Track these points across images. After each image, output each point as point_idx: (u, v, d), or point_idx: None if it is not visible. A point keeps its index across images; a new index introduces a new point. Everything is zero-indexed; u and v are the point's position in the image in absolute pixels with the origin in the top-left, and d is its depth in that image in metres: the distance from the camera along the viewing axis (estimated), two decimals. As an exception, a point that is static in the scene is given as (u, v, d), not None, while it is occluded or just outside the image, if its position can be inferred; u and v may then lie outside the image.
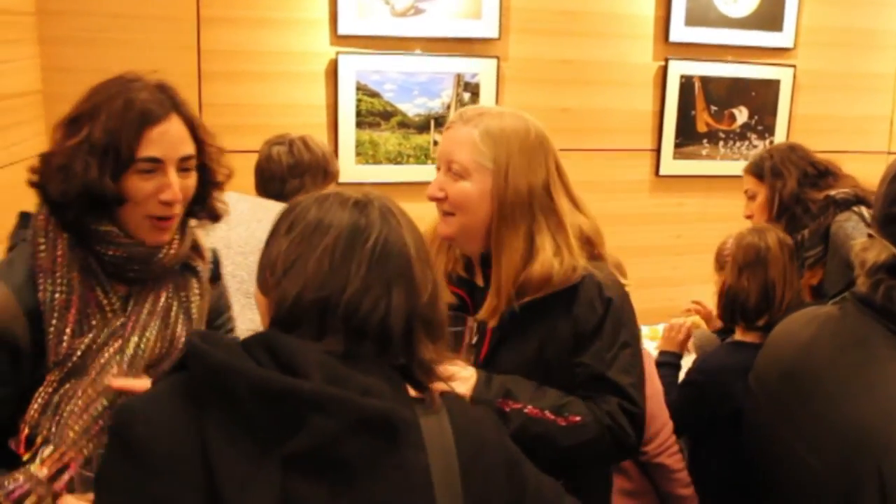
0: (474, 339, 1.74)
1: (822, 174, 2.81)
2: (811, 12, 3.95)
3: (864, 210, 2.62)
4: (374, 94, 3.44)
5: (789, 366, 1.47)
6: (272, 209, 2.34)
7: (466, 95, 3.55)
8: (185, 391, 1.03)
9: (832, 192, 2.70)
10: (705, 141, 3.94)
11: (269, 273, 1.15)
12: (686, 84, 3.84)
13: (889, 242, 1.29)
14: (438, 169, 1.73)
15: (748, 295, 2.35)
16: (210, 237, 1.69)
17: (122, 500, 1.00)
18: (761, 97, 3.96)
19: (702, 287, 3.44)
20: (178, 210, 1.50)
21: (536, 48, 3.64)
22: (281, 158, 2.59)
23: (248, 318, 2.13)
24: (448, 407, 1.17)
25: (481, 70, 3.54)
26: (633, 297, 1.78)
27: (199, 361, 1.02)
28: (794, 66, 3.96)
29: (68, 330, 1.44)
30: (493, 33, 3.52)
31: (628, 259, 1.86)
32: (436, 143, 3.53)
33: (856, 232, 2.54)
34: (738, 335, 2.45)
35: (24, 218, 1.54)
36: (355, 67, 3.38)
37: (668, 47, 3.79)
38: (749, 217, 2.90)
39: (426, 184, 1.74)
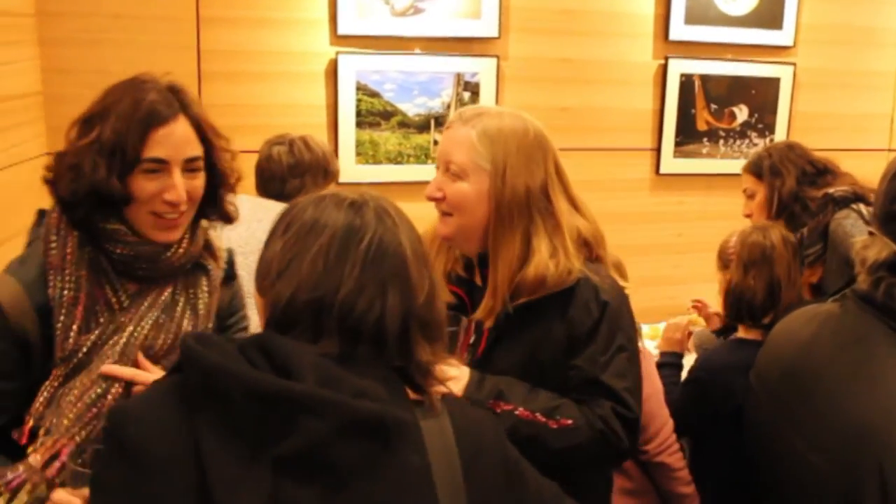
0: (472, 339, 1.75)
1: (820, 172, 2.81)
2: (811, 10, 3.94)
3: (862, 207, 2.62)
4: (374, 94, 3.44)
5: (790, 364, 1.47)
6: (272, 209, 2.34)
7: (466, 95, 3.55)
8: (180, 393, 1.03)
9: (831, 190, 2.70)
10: (705, 139, 3.94)
11: (265, 274, 1.15)
12: (686, 82, 3.84)
13: (890, 240, 1.29)
14: (438, 169, 1.73)
15: (754, 293, 2.36)
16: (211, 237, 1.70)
17: (115, 501, 1.01)
18: (761, 95, 3.96)
19: (703, 285, 3.44)
20: (185, 210, 1.51)
21: (536, 47, 3.64)
22: (281, 158, 2.59)
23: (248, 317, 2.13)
24: (449, 409, 1.16)
25: (481, 69, 3.54)
26: (633, 295, 1.78)
27: (192, 363, 1.03)
28: (794, 64, 3.96)
29: (75, 326, 1.46)
30: (493, 32, 3.52)
31: (629, 258, 1.86)
32: (436, 142, 3.53)
33: (854, 229, 2.55)
34: (741, 333, 2.45)
35: (42, 215, 1.56)
36: (355, 67, 3.38)
37: (668, 46, 3.79)
38: (748, 216, 2.90)
39: (426, 183, 1.74)
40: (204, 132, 1.52)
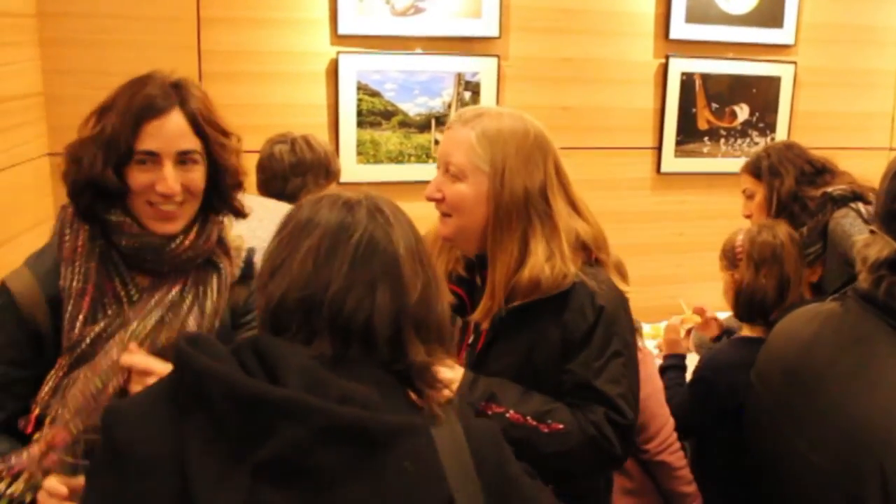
0: (471, 339, 1.75)
1: (819, 171, 2.82)
2: (812, 9, 3.94)
3: (861, 206, 2.62)
4: (375, 94, 3.44)
5: (791, 363, 1.47)
6: (273, 208, 2.34)
7: (467, 94, 3.55)
8: (173, 395, 1.03)
9: (829, 189, 2.70)
10: (706, 138, 3.94)
11: (261, 274, 1.16)
12: (687, 81, 3.84)
13: (891, 238, 1.29)
14: (438, 169, 1.73)
15: (766, 292, 2.36)
16: None
17: (101, 499, 1.02)
18: (762, 94, 3.96)
19: (704, 284, 3.44)
20: (183, 201, 1.53)
21: (537, 46, 3.64)
22: (283, 157, 2.58)
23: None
24: (459, 413, 1.15)
25: (482, 69, 3.54)
26: (634, 295, 1.77)
27: (183, 365, 1.03)
28: (794, 62, 3.96)
29: (81, 316, 1.50)
30: (494, 32, 3.52)
31: (630, 257, 1.86)
32: (437, 142, 3.53)
33: (853, 228, 2.55)
34: (746, 331, 2.45)
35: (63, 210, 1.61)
36: (356, 67, 3.38)
37: (669, 44, 3.78)
38: (748, 216, 2.91)
39: (427, 183, 1.74)
40: (200, 126, 1.53)
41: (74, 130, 1.59)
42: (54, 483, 1.37)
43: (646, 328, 3.32)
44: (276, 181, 2.58)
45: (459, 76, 3.52)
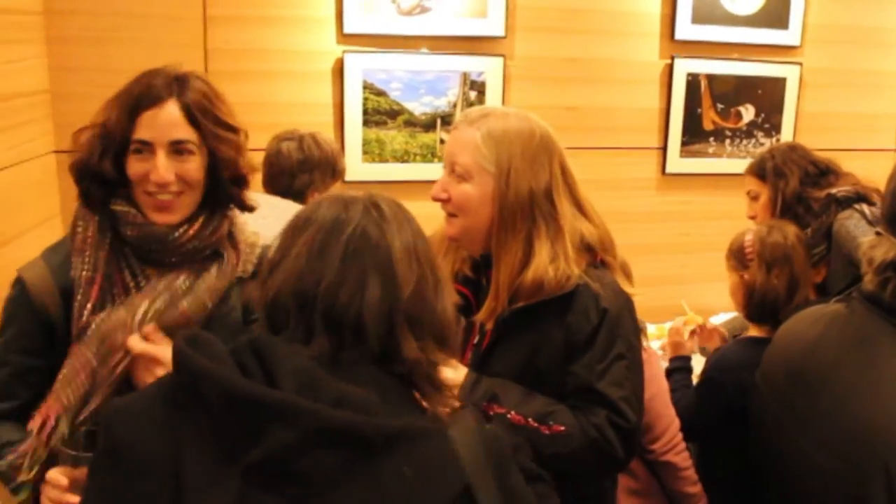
0: (476, 339, 1.75)
1: (823, 173, 2.82)
2: (818, 10, 3.93)
3: (865, 207, 2.62)
4: (381, 93, 3.44)
5: (796, 364, 1.47)
6: (277, 206, 2.34)
7: (472, 94, 3.55)
8: (172, 395, 1.03)
9: (833, 191, 2.71)
10: (712, 139, 3.93)
11: (262, 272, 1.17)
12: (692, 82, 3.83)
13: (897, 240, 1.29)
14: (444, 169, 1.73)
15: (778, 293, 2.36)
16: None
17: (100, 496, 1.03)
18: (768, 95, 3.95)
19: (709, 285, 3.44)
20: (178, 191, 1.54)
21: (542, 46, 3.63)
22: (291, 154, 2.58)
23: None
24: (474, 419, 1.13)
25: (487, 68, 3.54)
26: (639, 295, 1.77)
27: (180, 365, 1.02)
28: (800, 63, 3.95)
29: (89, 305, 1.53)
30: (499, 32, 3.52)
31: (635, 257, 1.86)
32: (442, 141, 3.53)
33: (857, 230, 2.55)
34: (753, 331, 2.45)
35: None
36: (361, 66, 3.39)
37: (675, 45, 3.78)
38: (752, 217, 2.91)
39: (433, 182, 1.74)
40: (195, 117, 1.54)
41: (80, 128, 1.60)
42: (56, 474, 1.39)
43: (650, 329, 3.32)
44: (283, 177, 2.58)
45: (465, 76, 3.52)
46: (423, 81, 3.48)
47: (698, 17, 3.76)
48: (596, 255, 1.71)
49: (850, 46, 4.04)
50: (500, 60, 3.54)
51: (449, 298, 1.19)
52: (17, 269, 1.59)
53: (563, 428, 1.59)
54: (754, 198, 2.91)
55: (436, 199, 1.72)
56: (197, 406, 0.99)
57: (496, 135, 1.66)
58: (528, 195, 1.65)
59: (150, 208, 1.54)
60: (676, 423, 2.28)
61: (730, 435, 2.08)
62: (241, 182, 1.63)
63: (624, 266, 1.81)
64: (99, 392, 1.50)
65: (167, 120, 1.52)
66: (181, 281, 1.57)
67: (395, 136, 3.49)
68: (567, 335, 1.64)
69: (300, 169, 2.57)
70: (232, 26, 3.24)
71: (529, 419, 1.58)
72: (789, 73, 3.94)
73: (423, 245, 1.17)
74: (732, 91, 3.90)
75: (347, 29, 3.33)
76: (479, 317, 1.71)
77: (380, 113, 3.45)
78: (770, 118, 3.98)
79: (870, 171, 2.76)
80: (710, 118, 3.90)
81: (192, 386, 1.00)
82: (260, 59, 3.30)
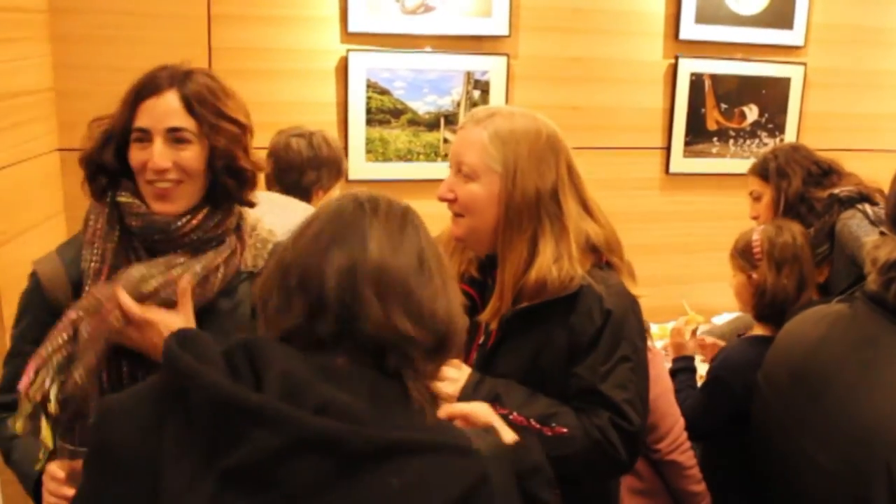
0: (481, 339, 1.74)
1: (825, 173, 2.82)
2: (822, 10, 3.93)
3: (867, 207, 2.62)
4: (385, 92, 3.44)
5: (799, 364, 1.47)
6: (279, 202, 2.35)
7: (476, 93, 3.55)
8: (161, 395, 1.02)
9: (836, 191, 2.71)
10: (715, 139, 3.93)
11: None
12: (696, 82, 3.83)
13: (901, 240, 1.29)
14: (450, 169, 1.73)
15: (787, 292, 2.36)
16: None
17: (91, 494, 1.03)
18: (771, 95, 3.95)
19: (713, 285, 3.44)
20: (177, 179, 1.55)
21: (546, 46, 3.64)
22: (301, 150, 2.58)
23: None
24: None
25: (491, 68, 3.54)
26: (643, 296, 1.76)
27: (168, 364, 1.01)
28: (804, 63, 3.95)
29: None
30: (504, 31, 3.52)
31: (638, 257, 1.85)
32: (446, 140, 3.53)
33: (860, 230, 2.55)
34: (758, 329, 2.45)
35: None
36: (365, 65, 3.39)
37: (679, 45, 3.78)
38: (755, 218, 2.90)
39: (436, 181, 1.74)
40: (193, 106, 1.55)
41: (85, 126, 1.61)
42: (54, 467, 1.42)
43: (653, 328, 3.32)
44: (291, 173, 2.58)
45: (469, 75, 3.53)
46: (426, 80, 3.48)
47: (702, 17, 3.76)
48: (601, 256, 1.71)
49: (854, 47, 4.04)
50: (503, 60, 3.54)
51: (455, 297, 1.16)
52: (33, 261, 1.63)
53: (565, 430, 1.59)
54: (757, 198, 2.91)
55: (442, 200, 1.72)
56: (182, 407, 0.98)
57: (503, 134, 1.65)
58: (534, 195, 1.64)
59: (150, 197, 1.56)
60: (681, 421, 2.28)
61: (734, 434, 2.08)
62: (240, 176, 1.62)
63: (627, 266, 1.81)
64: (90, 349, 1.48)
65: (165, 108, 1.53)
66: (179, 259, 1.58)
67: (398, 135, 3.50)
68: (570, 336, 1.64)
69: (309, 166, 2.57)
70: (236, 25, 3.25)
71: (532, 420, 1.58)
72: (793, 73, 3.94)
73: (424, 242, 1.14)
74: (736, 91, 3.90)
75: (351, 28, 3.34)
76: (484, 317, 1.70)
77: (383, 112, 3.45)
78: (774, 118, 3.98)
79: (873, 172, 2.76)
80: (713, 118, 3.90)
81: (178, 386, 0.99)
82: (264, 58, 3.30)
